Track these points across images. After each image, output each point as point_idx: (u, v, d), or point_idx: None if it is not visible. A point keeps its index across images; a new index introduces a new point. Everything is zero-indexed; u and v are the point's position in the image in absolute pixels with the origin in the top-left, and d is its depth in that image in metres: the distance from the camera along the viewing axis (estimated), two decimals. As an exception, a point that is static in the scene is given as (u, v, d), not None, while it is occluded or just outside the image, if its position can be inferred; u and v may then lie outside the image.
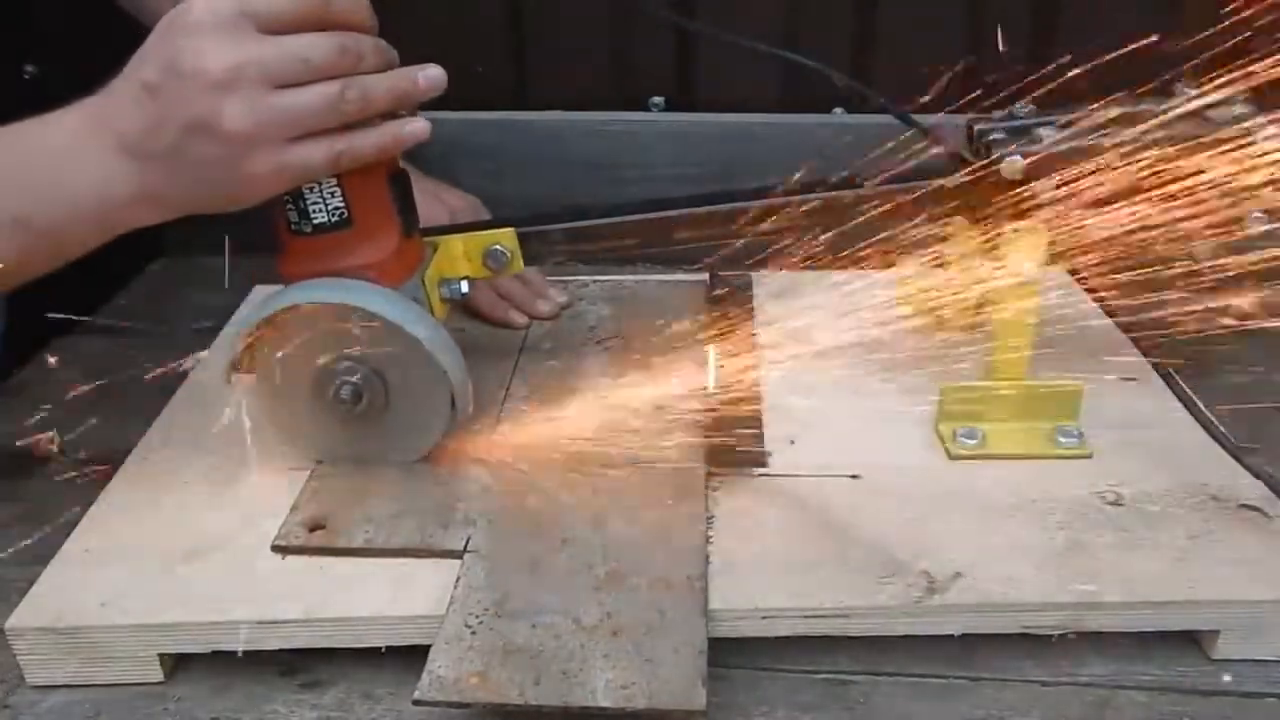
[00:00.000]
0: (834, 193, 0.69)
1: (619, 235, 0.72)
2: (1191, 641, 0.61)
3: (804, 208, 0.69)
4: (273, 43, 0.57)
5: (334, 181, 0.63)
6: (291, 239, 0.66)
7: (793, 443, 0.72)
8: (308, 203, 0.64)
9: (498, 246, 0.73)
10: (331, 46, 0.58)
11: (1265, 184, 0.61)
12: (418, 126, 0.63)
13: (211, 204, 0.61)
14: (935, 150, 0.69)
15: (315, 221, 0.64)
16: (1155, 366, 0.77)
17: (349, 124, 0.60)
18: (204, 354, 0.83)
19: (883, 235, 0.70)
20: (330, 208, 0.64)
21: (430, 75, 0.62)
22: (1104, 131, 0.64)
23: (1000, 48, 0.72)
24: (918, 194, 0.68)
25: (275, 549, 0.64)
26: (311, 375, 0.67)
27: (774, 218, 0.70)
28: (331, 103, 0.59)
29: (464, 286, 0.72)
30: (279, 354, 0.66)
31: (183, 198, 0.61)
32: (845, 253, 0.73)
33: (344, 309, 0.65)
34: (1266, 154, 0.61)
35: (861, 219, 0.70)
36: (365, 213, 0.65)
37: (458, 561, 0.63)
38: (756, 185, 0.71)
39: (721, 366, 0.75)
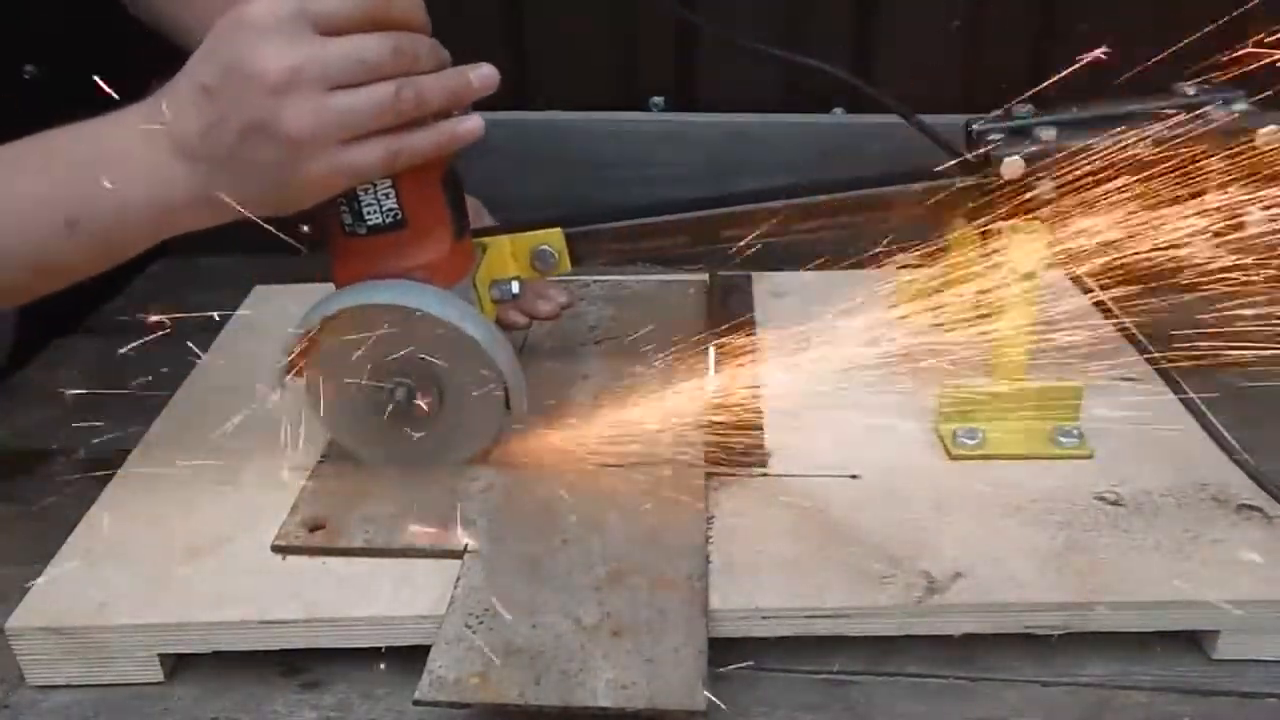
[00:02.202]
0: (881, 190, 0.68)
1: (668, 234, 0.72)
2: (1191, 641, 0.61)
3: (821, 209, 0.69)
4: (330, 44, 0.57)
5: (388, 183, 0.63)
6: (345, 241, 0.65)
7: (794, 443, 0.72)
8: (362, 204, 0.64)
9: (545, 247, 0.73)
10: (387, 47, 0.58)
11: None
12: (472, 124, 0.62)
13: (268, 206, 0.61)
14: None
15: (370, 223, 0.64)
16: (1155, 366, 0.77)
17: (404, 124, 0.60)
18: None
19: (883, 235, 0.70)
20: (384, 209, 0.64)
21: (483, 74, 0.62)
22: (1102, 130, 0.64)
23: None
24: (918, 194, 0.68)
25: (275, 549, 0.64)
26: (365, 377, 0.67)
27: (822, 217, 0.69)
28: (388, 103, 0.58)
29: (514, 287, 0.72)
30: (333, 356, 0.66)
31: (238, 200, 0.60)
32: (846, 252, 0.73)
33: (400, 310, 0.64)
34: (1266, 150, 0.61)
35: (862, 219, 0.70)
36: (419, 214, 0.65)
37: (458, 562, 0.63)
38: (808, 182, 0.71)
39: (722, 366, 0.75)
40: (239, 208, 0.60)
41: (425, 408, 0.67)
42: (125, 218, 0.60)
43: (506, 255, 0.73)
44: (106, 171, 0.59)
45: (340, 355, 0.66)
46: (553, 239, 0.73)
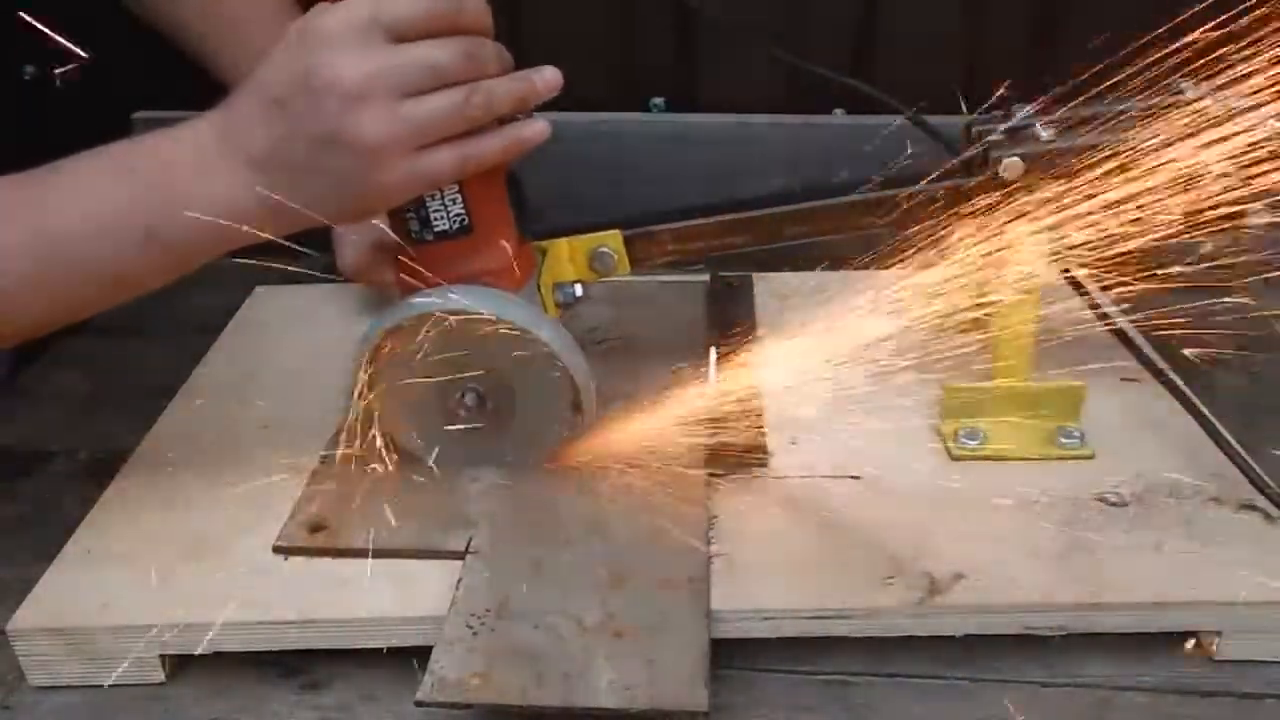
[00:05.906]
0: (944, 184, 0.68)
1: (728, 234, 0.72)
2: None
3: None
4: (402, 51, 0.57)
5: (455, 189, 0.63)
6: (412, 247, 0.65)
7: (794, 443, 0.72)
8: (429, 210, 0.64)
9: (604, 248, 0.72)
10: (457, 53, 0.58)
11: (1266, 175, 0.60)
12: (539, 127, 0.62)
13: (339, 215, 0.61)
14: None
15: (437, 229, 0.64)
16: (1154, 367, 0.77)
17: (474, 129, 0.60)
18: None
19: (884, 236, 0.70)
20: (452, 215, 0.64)
21: (547, 77, 0.61)
22: (1101, 130, 0.64)
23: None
24: (919, 195, 0.68)
25: (276, 550, 0.64)
26: (437, 382, 0.67)
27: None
28: (459, 109, 0.58)
29: (578, 290, 0.72)
30: (404, 361, 0.66)
31: (310, 209, 0.60)
32: (847, 253, 0.73)
33: (472, 315, 0.64)
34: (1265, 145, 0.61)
35: (863, 221, 0.70)
36: (485, 218, 0.65)
37: (459, 562, 0.63)
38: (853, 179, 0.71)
39: (723, 367, 0.75)
40: (311, 216, 0.60)
41: (494, 412, 0.67)
42: (200, 229, 0.59)
43: (564, 258, 0.73)
44: (180, 184, 0.59)
45: (410, 361, 0.65)
46: (611, 241, 0.72)
